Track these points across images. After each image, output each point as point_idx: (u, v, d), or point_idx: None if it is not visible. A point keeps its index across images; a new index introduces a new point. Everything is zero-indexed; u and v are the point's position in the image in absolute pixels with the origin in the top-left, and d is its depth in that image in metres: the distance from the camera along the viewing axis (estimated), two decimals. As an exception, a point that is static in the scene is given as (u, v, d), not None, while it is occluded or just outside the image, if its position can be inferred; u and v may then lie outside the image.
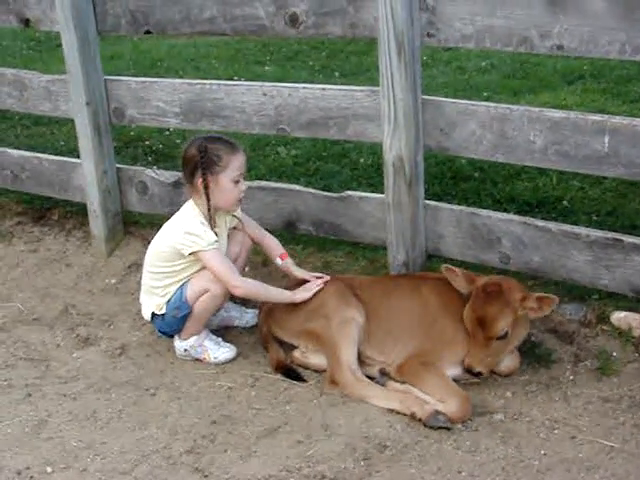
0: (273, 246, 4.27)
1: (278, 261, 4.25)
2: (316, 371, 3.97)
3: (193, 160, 3.92)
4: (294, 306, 4.04)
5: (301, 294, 4.02)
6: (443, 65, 7.63)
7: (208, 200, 3.93)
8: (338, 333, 3.83)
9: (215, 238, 3.94)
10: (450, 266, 3.82)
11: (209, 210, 3.96)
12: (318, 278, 4.10)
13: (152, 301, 4.11)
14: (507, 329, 3.64)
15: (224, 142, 3.97)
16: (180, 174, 4.30)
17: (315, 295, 4.00)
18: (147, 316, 4.18)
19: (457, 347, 3.76)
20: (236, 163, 3.94)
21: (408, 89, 3.87)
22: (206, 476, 3.37)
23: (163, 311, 4.06)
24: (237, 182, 3.96)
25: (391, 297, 3.99)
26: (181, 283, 4.01)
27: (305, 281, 4.11)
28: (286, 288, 4.13)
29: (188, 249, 3.91)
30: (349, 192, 4.44)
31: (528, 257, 3.94)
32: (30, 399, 3.94)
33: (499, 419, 3.60)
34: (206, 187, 3.92)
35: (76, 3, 4.61)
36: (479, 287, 3.71)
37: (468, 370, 3.69)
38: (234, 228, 4.21)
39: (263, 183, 4.73)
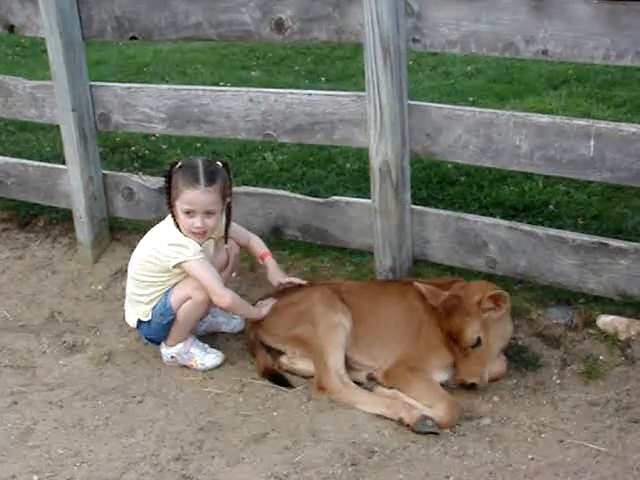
0: (256, 247, 4.29)
1: (259, 262, 4.30)
2: (303, 377, 3.96)
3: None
4: (281, 312, 4.04)
5: (265, 308, 4.10)
6: (429, 70, 7.64)
7: (174, 219, 3.96)
8: (325, 338, 3.83)
9: (200, 247, 3.93)
10: (418, 284, 3.85)
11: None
12: (291, 283, 4.20)
13: (137, 308, 4.09)
14: (477, 335, 3.66)
15: (193, 173, 3.87)
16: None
17: (302, 301, 4.01)
18: (132, 323, 4.17)
19: (444, 352, 3.76)
20: (186, 197, 3.86)
21: (394, 94, 3.88)
22: (193, 483, 3.36)
23: (149, 317, 4.05)
24: (188, 213, 3.90)
25: (379, 302, 3.99)
26: (166, 290, 4.01)
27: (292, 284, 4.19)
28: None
29: (174, 261, 3.90)
30: (336, 197, 4.44)
31: (514, 262, 3.95)
32: (16, 407, 3.91)
33: (487, 424, 3.60)
34: (170, 206, 3.95)
35: (61, 9, 4.58)
36: (440, 304, 3.75)
37: (462, 385, 3.70)
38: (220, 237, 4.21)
39: (249, 189, 4.73)
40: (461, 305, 3.70)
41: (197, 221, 3.88)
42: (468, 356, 3.67)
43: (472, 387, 3.70)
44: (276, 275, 4.21)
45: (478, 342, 3.67)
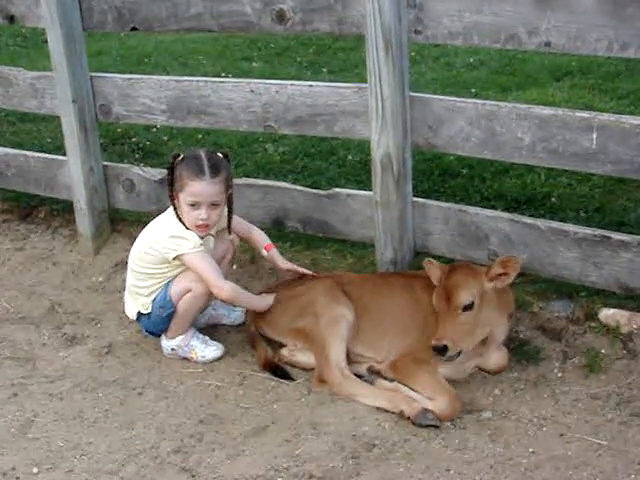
0: (259, 239, 4.27)
1: (264, 252, 4.25)
2: (304, 369, 3.95)
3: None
4: (282, 304, 4.03)
5: (269, 298, 4.07)
6: (431, 61, 7.62)
7: (176, 212, 3.95)
8: (327, 331, 3.82)
9: (200, 241, 3.92)
10: (430, 259, 3.83)
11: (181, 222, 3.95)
12: (304, 274, 4.17)
13: (137, 301, 4.09)
14: (472, 299, 3.61)
15: (197, 164, 3.86)
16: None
17: (304, 293, 4.00)
18: (131, 315, 4.16)
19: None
20: (191, 189, 3.85)
21: (396, 86, 3.86)
22: (194, 476, 3.35)
23: (149, 310, 4.04)
24: (193, 206, 3.88)
25: (381, 294, 3.98)
26: (165, 282, 4.00)
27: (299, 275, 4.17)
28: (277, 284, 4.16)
29: (173, 252, 3.89)
30: (337, 189, 4.43)
31: (516, 254, 3.93)
32: (16, 399, 3.91)
33: (487, 417, 3.59)
34: (172, 199, 3.94)
35: (62, -1, 4.58)
36: (448, 266, 3.75)
37: (435, 346, 3.56)
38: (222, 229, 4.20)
39: (251, 180, 4.72)
40: (468, 267, 3.71)
41: (202, 213, 3.87)
42: (455, 318, 3.60)
43: (442, 352, 3.56)
44: (282, 264, 4.20)
45: (470, 306, 3.61)
